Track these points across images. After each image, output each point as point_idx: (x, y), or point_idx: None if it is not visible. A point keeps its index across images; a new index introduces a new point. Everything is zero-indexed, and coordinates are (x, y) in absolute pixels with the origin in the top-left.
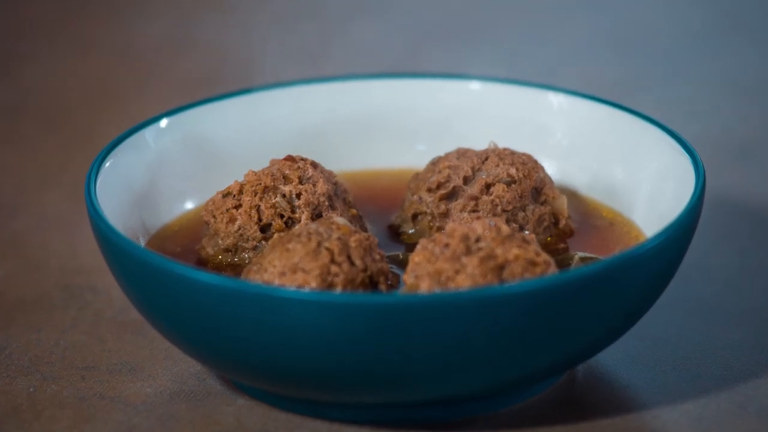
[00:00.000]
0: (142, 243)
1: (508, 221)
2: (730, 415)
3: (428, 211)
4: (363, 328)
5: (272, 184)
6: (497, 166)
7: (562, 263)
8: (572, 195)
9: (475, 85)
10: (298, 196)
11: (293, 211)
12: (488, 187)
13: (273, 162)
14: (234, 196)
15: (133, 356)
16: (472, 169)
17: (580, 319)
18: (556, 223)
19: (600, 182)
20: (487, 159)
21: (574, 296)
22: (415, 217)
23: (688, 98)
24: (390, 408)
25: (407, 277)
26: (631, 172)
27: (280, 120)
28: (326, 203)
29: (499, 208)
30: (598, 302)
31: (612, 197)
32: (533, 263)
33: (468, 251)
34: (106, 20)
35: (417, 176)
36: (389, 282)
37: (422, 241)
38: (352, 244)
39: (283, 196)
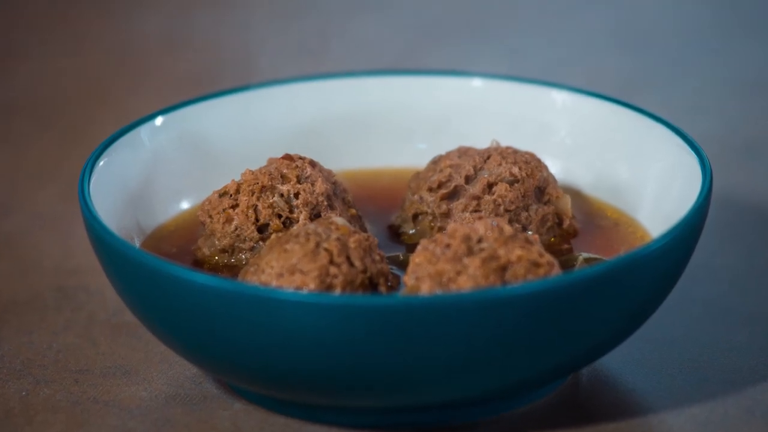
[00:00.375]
0: (137, 243)
1: (510, 221)
2: (738, 419)
3: (429, 211)
4: (362, 331)
5: (270, 183)
6: (499, 165)
7: (566, 264)
8: (576, 194)
9: (476, 82)
10: (296, 195)
11: (291, 211)
12: (490, 186)
13: (270, 161)
14: (231, 195)
15: (127, 359)
16: (474, 168)
17: (584, 322)
18: (559, 223)
19: (604, 181)
20: (489, 158)
21: (578, 298)
22: (415, 217)
23: (694, 96)
24: (390, 412)
25: (408, 279)
26: (636, 171)
27: (278, 118)
28: (325, 203)
29: (501, 208)
30: (602, 304)
31: (617, 197)
32: (536, 264)
33: (470, 252)
34: (101, 17)
35: (418, 175)
36: (389, 283)
37: (423, 242)
38: (352, 245)
39: (281, 195)
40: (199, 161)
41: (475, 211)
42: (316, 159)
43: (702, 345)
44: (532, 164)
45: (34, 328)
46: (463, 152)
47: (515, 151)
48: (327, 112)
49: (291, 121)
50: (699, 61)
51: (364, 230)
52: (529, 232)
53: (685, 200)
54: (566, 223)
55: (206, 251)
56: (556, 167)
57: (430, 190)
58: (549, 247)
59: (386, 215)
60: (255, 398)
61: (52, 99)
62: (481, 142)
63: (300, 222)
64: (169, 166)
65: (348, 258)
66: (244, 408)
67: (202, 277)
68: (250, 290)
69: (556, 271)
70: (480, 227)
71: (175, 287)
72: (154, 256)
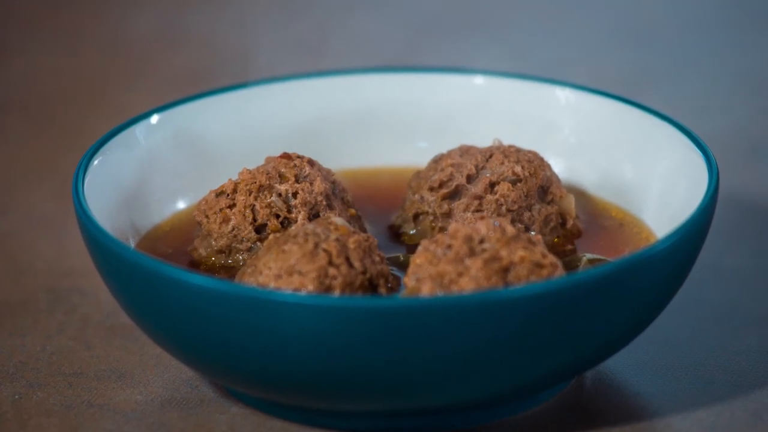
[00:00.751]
0: (132, 244)
1: (513, 221)
2: (745, 423)
3: (430, 210)
4: (362, 334)
5: (267, 182)
6: (502, 164)
7: (570, 265)
8: (580, 194)
9: (479, 80)
10: (295, 195)
11: (289, 211)
12: (493, 185)
13: (268, 160)
14: (228, 195)
15: (122, 362)
16: (476, 167)
17: (588, 324)
18: (563, 223)
19: (609, 181)
20: (491, 156)
21: (582, 300)
22: (416, 217)
23: (700, 93)
24: (390, 416)
25: (408, 280)
26: (641, 171)
27: (276, 116)
28: (324, 203)
29: (503, 208)
30: (606, 306)
31: (621, 196)
32: (539, 265)
33: (471, 253)
34: (95, 14)
35: (418, 174)
36: (389, 285)
37: (424, 243)
38: (351, 246)
39: (279, 195)
40: (196, 160)
41: (477, 211)
42: (314, 158)
43: (708, 348)
44: (535, 163)
45: (27, 330)
46: (465, 151)
47: (518, 150)
48: (326, 110)
49: (289, 119)
50: (705, 58)
51: (364, 230)
52: (532, 233)
53: (691, 200)
54: (570, 223)
55: (203, 252)
56: (559, 166)
57: (431, 189)
58: (552, 248)
59: (386, 215)
60: (252, 402)
61: (46, 97)
62: (483, 141)
63: (298, 222)
64: (165, 165)
65: (347, 259)
66: (241, 412)
67: (198, 279)
68: (248, 292)
69: (560, 272)
70: (482, 227)
71: (170, 289)
72: (150, 257)
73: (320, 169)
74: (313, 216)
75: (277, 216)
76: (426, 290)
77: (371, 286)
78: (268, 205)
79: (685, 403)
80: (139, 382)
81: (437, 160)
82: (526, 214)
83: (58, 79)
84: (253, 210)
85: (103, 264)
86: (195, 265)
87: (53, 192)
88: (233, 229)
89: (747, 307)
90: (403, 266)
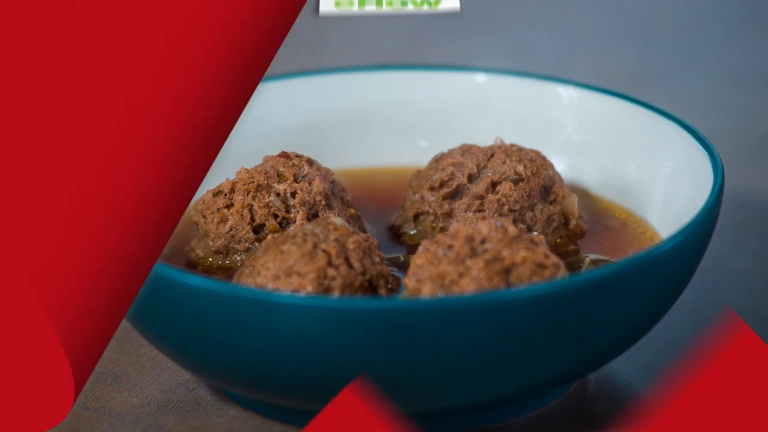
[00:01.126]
0: None
1: (515, 221)
2: None
3: (431, 210)
4: (362, 335)
5: (266, 182)
6: (504, 163)
7: (573, 266)
8: (583, 194)
9: (480, 78)
10: (293, 195)
11: (288, 211)
12: (494, 185)
13: (266, 159)
14: (225, 194)
15: (118, 364)
16: (477, 166)
17: (591, 325)
18: (566, 223)
19: (612, 180)
20: (493, 156)
21: (584, 301)
22: (416, 217)
23: (705, 91)
24: None
25: (408, 281)
26: (645, 170)
27: (274, 114)
28: (323, 202)
29: (505, 208)
30: (610, 307)
31: (625, 196)
32: (542, 266)
33: (473, 253)
34: None
35: (419, 174)
36: (389, 286)
37: (424, 243)
38: (351, 246)
39: (277, 194)
40: None
41: (479, 210)
42: (313, 157)
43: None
44: (537, 162)
45: None
46: (466, 150)
47: (520, 149)
48: (325, 108)
49: (288, 117)
50: (710, 56)
51: (364, 231)
52: (534, 233)
53: (696, 200)
54: (573, 223)
55: (200, 252)
56: (562, 165)
57: (432, 189)
58: (555, 248)
59: (386, 215)
60: (250, 404)
61: None
62: (485, 140)
63: (297, 222)
64: None
65: (347, 259)
66: (239, 414)
67: (195, 280)
68: (246, 293)
69: (562, 273)
70: (483, 228)
71: (167, 290)
72: None
73: (319, 168)
74: (312, 216)
75: (276, 216)
76: (427, 291)
77: (371, 287)
78: (267, 205)
79: None
80: (136, 384)
81: (438, 160)
82: (529, 214)
83: None
84: (251, 210)
85: None
86: (192, 265)
87: None
88: (231, 230)
89: (752, 309)
90: (404, 267)
